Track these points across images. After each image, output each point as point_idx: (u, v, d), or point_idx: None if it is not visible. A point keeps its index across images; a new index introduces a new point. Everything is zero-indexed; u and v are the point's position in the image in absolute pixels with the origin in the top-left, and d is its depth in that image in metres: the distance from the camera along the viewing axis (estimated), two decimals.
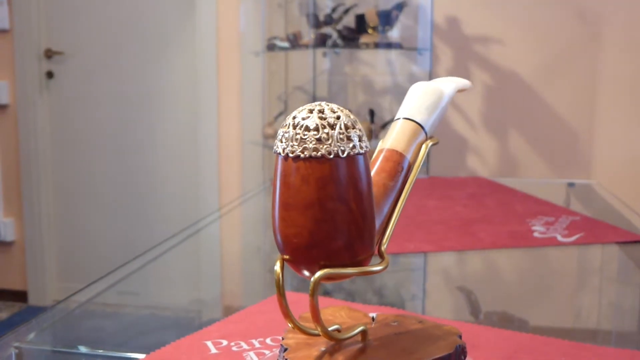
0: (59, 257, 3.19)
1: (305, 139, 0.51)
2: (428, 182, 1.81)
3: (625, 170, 2.46)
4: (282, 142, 0.52)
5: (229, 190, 2.87)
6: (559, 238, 1.16)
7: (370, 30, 2.35)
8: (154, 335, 0.87)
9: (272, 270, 0.53)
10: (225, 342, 0.69)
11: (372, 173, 0.58)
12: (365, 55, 2.58)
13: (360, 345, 0.57)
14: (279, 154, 0.52)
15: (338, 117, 0.52)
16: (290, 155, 0.51)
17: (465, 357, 0.58)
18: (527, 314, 0.92)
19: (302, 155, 0.51)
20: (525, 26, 2.49)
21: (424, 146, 0.62)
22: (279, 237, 0.53)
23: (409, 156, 0.60)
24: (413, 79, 2.48)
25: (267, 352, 0.66)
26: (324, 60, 2.55)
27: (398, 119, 0.63)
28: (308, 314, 0.60)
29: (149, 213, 3.07)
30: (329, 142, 0.51)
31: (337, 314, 0.63)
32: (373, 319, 0.63)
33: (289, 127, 0.52)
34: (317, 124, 0.51)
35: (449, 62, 2.55)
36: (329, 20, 2.38)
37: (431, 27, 2.40)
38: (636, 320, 0.93)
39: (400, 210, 0.58)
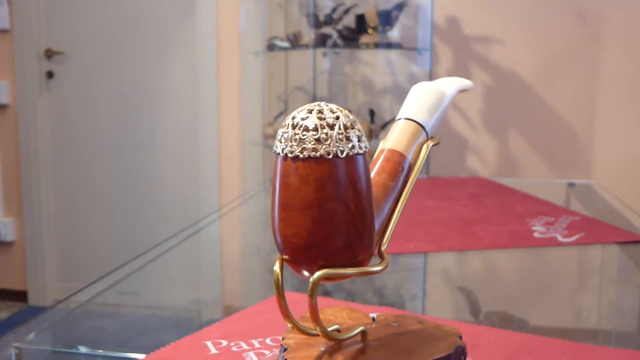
0: (59, 257, 3.19)
1: (305, 139, 0.51)
2: (428, 182, 1.81)
3: (625, 170, 2.45)
4: (281, 142, 0.52)
5: (229, 190, 2.87)
6: (559, 238, 1.16)
7: (370, 30, 2.35)
8: (154, 335, 0.87)
9: (272, 271, 0.53)
10: (225, 343, 0.69)
11: (373, 173, 0.58)
12: (365, 55, 2.58)
13: (360, 345, 0.57)
14: (278, 154, 0.52)
15: (337, 118, 0.52)
16: (290, 155, 0.51)
17: (465, 357, 0.58)
18: (527, 314, 0.92)
19: (301, 156, 0.51)
20: (525, 26, 2.49)
21: (425, 146, 0.62)
22: (278, 238, 0.53)
23: (409, 156, 0.60)
24: (413, 79, 2.48)
25: (267, 352, 0.66)
26: (324, 60, 2.55)
27: (399, 119, 0.63)
28: (309, 314, 0.60)
29: (149, 213, 3.07)
30: (328, 142, 0.50)
31: (337, 314, 0.63)
32: (374, 319, 0.63)
33: (288, 127, 0.52)
34: (316, 124, 0.51)
35: (449, 62, 2.55)
36: (329, 20, 2.38)
37: (431, 27, 2.40)
38: (636, 320, 0.93)
39: (401, 211, 0.58)
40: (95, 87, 3.07)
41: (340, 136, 0.51)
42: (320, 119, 0.51)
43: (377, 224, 0.55)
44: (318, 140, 0.50)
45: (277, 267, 0.53)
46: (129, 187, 3.09)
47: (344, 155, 0.51)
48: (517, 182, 1.94)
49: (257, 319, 0.76)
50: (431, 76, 2.40)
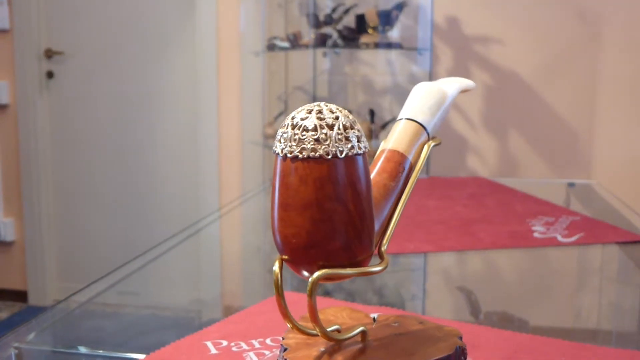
0: (59, 257, 3.19)
1: (304, 139, 0.51)
2: (428, 182, 1.81)
3: (625, 170, 2.45)
4: (280, 142, 0.52)
5: (229, 190, 2.87)
6: (559, 238, 1.16)
7: (370, 30, 2.35)
8: (154, 335, 0.87)
9: (271, 271, 0.53)
10: (225, 343, 0.69)
11: (374, 173, 0.58)
12: (365, 55, 2.58)
13: (360, 345, 0.57)
14: (278, 154, 0.52)
15: (337, 118, 0.52)
16: (289, 155, 0.51)
17: (465, 358, 0.58)
18: (527, 314, 0.92)
19: (300, 156, 0.51)
20: (525, 26, 2.49)
21: (425, 147, 0.62)
22: (277, 238, 0.53)
23: (410, 157, 0.60)
24: (413, 79, 2.48)
25: (267, 352, 0.66)
26: (324, 60, 2.55)
27: (400, 119, 0.63)
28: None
29: (149, 213, 3.07)
30: (327, 142, 0.50)
31: (338, 314, 0.63)
32: (374, 319, 0.63)
33: (287, 128, 0.52)
34: (315, 125, 0.51)
35: (449, 62, 2.55)
36: (329, 20, 2.38)
37: (431, 27, 2.40)
38: (636, 320, 0.93)
39: (401, 211, 0.58)
40: (95, 87, 3.07)
41: (339, 136, 0.51)
42: (319, 119, 0.51)
43: (377, 225, 0.55)
44: (317, 140, 0.50)
45: (276, 267, 0.53)
46: (129, 187, 3.09)
47: (343, 155, 0.51)
48: (517, 182, 1.94)
49: (257, 319, 0.76)
50: (431, 76, 2.40)
